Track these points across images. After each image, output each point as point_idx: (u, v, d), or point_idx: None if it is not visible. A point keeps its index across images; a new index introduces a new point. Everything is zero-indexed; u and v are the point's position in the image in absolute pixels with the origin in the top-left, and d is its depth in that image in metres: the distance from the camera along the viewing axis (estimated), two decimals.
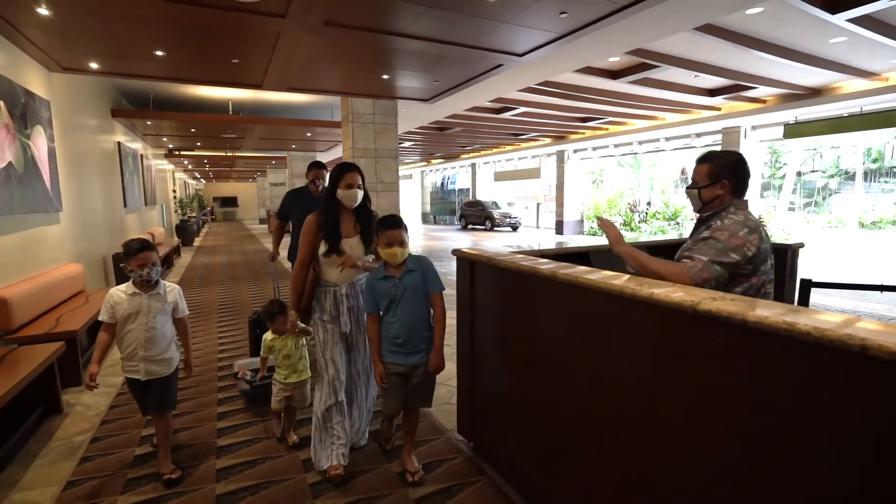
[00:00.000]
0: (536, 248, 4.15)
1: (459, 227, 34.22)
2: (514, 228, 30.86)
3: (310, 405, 4.21)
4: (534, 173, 30.53)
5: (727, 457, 1.93)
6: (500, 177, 33.98)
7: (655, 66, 10.94)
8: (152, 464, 3.89)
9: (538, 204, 34.23)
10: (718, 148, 19.70)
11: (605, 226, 3.09)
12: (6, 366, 4.30)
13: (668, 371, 2.17)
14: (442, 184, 43.72)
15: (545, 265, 3.01)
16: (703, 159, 2.98)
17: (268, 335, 4.31)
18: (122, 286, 3.71)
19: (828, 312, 1.73)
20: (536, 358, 3.16)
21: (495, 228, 30.94)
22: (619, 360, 2.45)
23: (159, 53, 7.00)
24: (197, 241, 24.56)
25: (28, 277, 6.12)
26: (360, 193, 3.84)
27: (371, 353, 3.73)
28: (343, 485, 3.60)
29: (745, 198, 2.93)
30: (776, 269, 4.44)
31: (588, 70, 11.19)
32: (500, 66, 7.97)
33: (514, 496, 3.45)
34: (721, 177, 2.88)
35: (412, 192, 45.31)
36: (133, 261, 3.59)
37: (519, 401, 3.42)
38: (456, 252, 3.96)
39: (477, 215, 32.26)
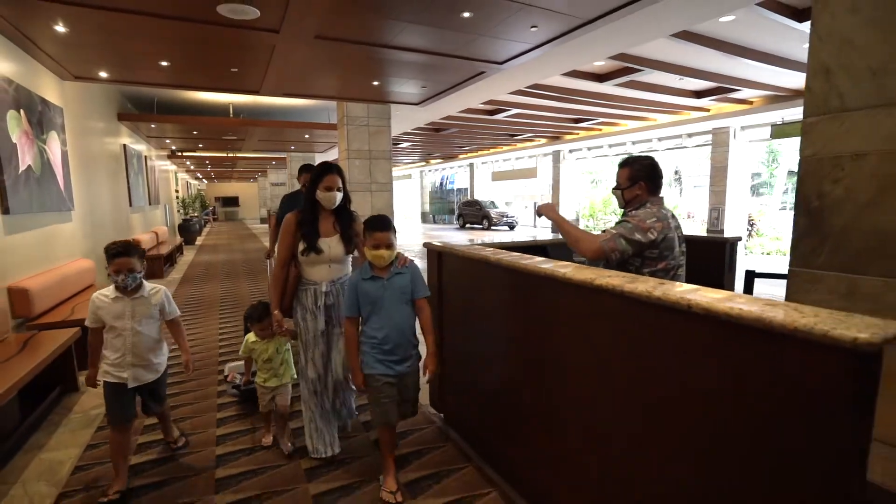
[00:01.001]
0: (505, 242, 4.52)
1: (457, 226, 34.54)
2: (511, 227, 31.21)
3: (296, 410, 4.47)
4: (530, 173, 30.96)
5: (622, 395, 2.44)
6: (497, 177, 34.38)
7: (639, 70, 11.34)
8: (158, 430, 4.36)
9: (535, 203, 34.54)
10: (709, 148, 20.26)
11: (543, 208, 3.60)
12: (29, 349, 4.79)
13: (580, 334, 2.68)
14: (441, 183, 44.06)
15: (493, 254, 3.51)
16: (623, 164, 3.48)
17: (250, 336, 4.21)
18: (106, 290, 3.62)
19: (695, 288, 2.25)
20: (490, 335, 3.65)
21: (493, 227, 31.29)
22: (546, 330, 2.96)
23: (164, 64, 7.53)
24: (199, 240, 25.07)
25: (45, 271, 6.66)
26: (339, 196, 3.86)
27: (349, 360, 3.64)
28: (338, 465, 3.81)
29: (660, 195, 3.42)
30: (715, 260, 4.98)
31: (575, 73, 11.56)
32: (482, 73, 8.46)
33: (473, 456, 3.95)
34: (638, 179, 3.38)
35: (412, 191, 45.67)
36: (111, 265, 3.50)
37: (477, 374, 3.91)
38: (426, 245, 4.41)
39: (474, 214, 32.61)
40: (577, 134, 22.77)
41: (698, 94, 14.88)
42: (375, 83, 9.11)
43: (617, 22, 6.28)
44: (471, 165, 36.47)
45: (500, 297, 3.50)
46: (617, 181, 3.53)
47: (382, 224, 3.39)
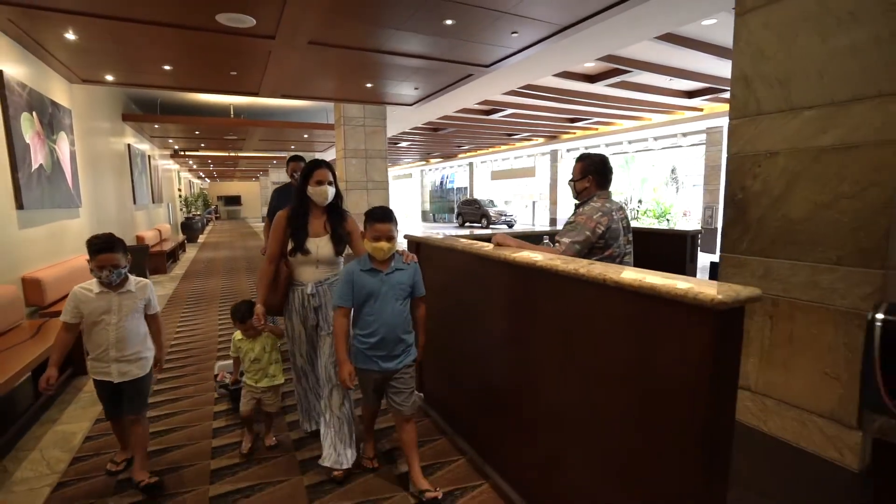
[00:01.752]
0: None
1: (457, 224, 34.76)
2: (510, 226, 31.24)
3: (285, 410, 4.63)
4: (529, 172, 31.29)
5: (564, 363, 2.82)
6: (496, 176, 34.70)
7: (628, 71, 11.58)
8: (161, 406, 4.83)
9: (534, 202, 34.76)
10: (703, 147, 20.59)
11: (497, 238, 3.73)
12: (41, 334, 5.19)
13: (533, 313, 3.05)
14: (441, 183, 44.31)
15: (458, 242, 3.89)
16: (578, 159, 3.85)
17: (237, 334, 4.07)
18: (88, 283, 3.42)
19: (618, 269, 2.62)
20: (463, 319, 3.99)
21: (491, 226, 31.37)
22: (507, 311, 3.33)
23: (167, 67, 7.92)
24: (201, 238, 25.48)
25: (55, 263, 7.07)
26: (331, 191, 3.78)
27: (337, 354, 3.44)
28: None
29: (608, 189, 3.78)
30: (677, 252, 5.33)
31: (566, 74, 11.84)
32: (470, 75, 8.82)
33: (447, 430, 4.33)
34: (588, 173, 3.75)
35: (412, 190, 46.00)
36: (93, 260, 3.30)
37: (452, 356, 4.24)
38: (406, 236, 4.76)
39: (474, 213, 32.86)
40: (574, 133, 23.04)
41: (690, 95, 15.07)
42: (369, 85, 9.47)
43: (599, 25, 6.59)
44: (470, 165, 36.79)
45: (469, 282, 3.86)
46: (572, 174, 3.90)
47: (384, 215, 3.32)
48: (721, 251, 3.29)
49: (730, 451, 2.05)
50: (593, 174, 3.75)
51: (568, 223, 3.71)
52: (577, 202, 3.89)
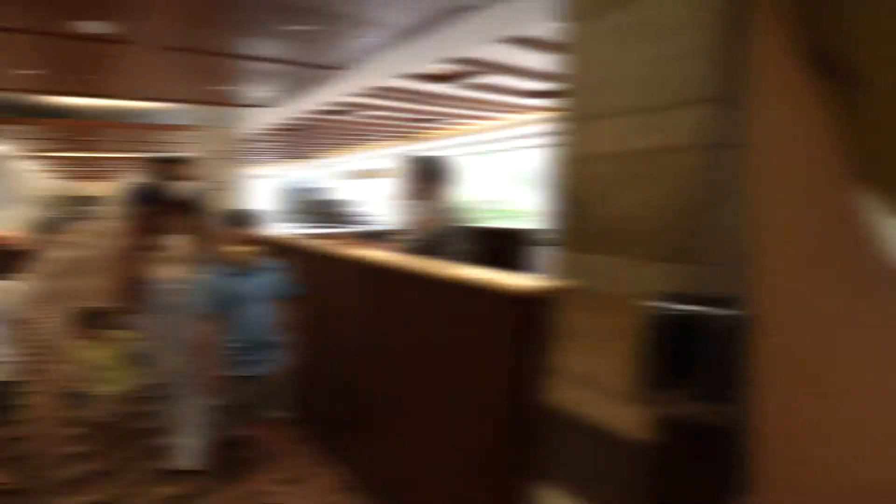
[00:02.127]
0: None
1: (313, 225, 34.24)
2: (367, 226, 30.72)
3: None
4: (386, 173, 31.40)
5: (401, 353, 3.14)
6: (353, 176, 34.49)
7: (478, 73, 11.83)
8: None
9: (392, 202, 34.16)
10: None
11: (339, 239, 4.08)
12: None
13: (362, 302, 3.41)
14: (298, 183, 43.55)
15: (302, 241, 4.30)
16: (412, 162, 4.00)
17: (79, 341, 3.90)
18: None
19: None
20: (321, 316, 3.93)
21: (348, 226, 30.79)
22: (344, 304, 3.65)
23: (21, 72, 8.23)
24: (61, 238, 24.42)
25: None
26: (189, 187, 3.75)
27: (202, 361, 3.38)
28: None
29: (443, 191, 3.91)
30: (516, 249, 5.67)
31: (415, 76, 11.84)
32: (320, 77, 9.76)
33: (297, 420, 4.25)
34: (421, 176, 3.90)
35: (268, 191, 45.04)
36: None
37: (312, 355, 4.15)
38: (254, 235, 4.79)
39: (330, 214, 32.30)
40: (428, 134, 23.09)
41: (539, 95, 15.45)
42: (222, 88, 10.24)
43: (446, 29, 7.00)
44: (327, 165, 36.36)
45: (312, 279, 3.83)
46: (406, 177, 4.03)
47: (244, 218, 3.34)
48: (550, 248, 3.66)
49: (537, 430, 2.25)
50: (427, 177, 3.94)
51: (404, 224, 3.96)
52: (413, 203, 4.01)
